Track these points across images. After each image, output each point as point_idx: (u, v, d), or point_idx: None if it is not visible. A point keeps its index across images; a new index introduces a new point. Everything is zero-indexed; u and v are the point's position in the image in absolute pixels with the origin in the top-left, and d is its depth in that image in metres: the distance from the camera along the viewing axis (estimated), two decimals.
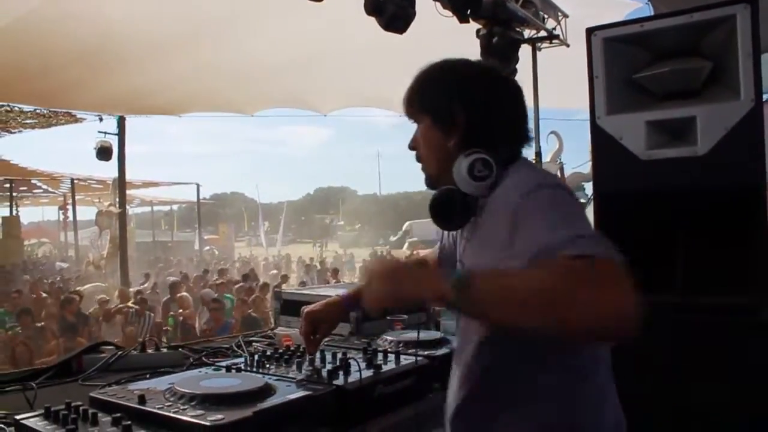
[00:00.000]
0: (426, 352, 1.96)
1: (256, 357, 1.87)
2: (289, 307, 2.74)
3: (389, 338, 2.17)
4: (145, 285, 14.05)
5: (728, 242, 2.42)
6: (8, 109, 13.21)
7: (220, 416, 1.29)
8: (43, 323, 8.95)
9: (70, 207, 30.00)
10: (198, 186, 25.90)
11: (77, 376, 2.21)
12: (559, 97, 9.35)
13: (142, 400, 1.42)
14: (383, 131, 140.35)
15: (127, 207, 30.75)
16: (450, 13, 6.10)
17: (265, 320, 8.79)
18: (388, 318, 2.55)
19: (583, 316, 1.08)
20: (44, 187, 27.67)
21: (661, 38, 2.62)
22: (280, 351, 1.94)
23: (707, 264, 2.41)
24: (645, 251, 1.99)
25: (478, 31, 6.70)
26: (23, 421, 1.39)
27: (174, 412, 1.34)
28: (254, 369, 1.78)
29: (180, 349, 2.48)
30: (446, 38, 7.07)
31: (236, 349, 2.52)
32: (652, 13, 7.45)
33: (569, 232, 1.19)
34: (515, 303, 1.13)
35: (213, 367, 1.82)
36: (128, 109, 12.68)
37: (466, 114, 1.49)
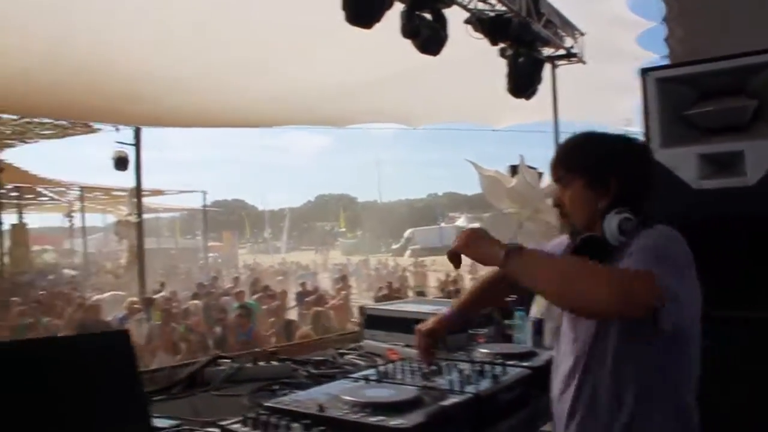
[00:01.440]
0: (527, 363, 2.25)
1: (382, 370, 2.15)
2: (374, 322, 3.02)
3: (484, 350, 2.46)
4: (162, 293, 14.26)
5: None
6: (28, 120, 13.44)
7: (402, 421, 1.57)
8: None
9: (75, 214, 30.25)
10: (204, 194, 26.18)
11: (205, 388, 2.49)
12: (577, 110, 9.67)
13: (321, 408, 1.70)
14: (383, 139, 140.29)
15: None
16: (481, 36, 6.42)
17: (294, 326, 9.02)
18: (470, 332, 2.84)
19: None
20: (50, 194, 27.85)
21: (708, 79, 2.92)
22: (400, 364, 2.22)
23: (756, 281, 2.70)
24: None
25: (503, 51, 7.00)
26: (230, 427, 1.67)
27: (357, 418, 1.62)
28: (388, 380, 2.06)
29: (286, 362, 2.75)
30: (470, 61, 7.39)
31: (333, 360, 2.80)
32: (666, 33, 7.77)
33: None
34: (556, 273, 1.64)
35: (350, 379, 2.10)
36: (151, 122, 12.91)
37: (618, 183, 1.83)
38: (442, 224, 34.61)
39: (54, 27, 6.73)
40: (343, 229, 54.76)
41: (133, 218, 13.50)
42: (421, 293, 12.91)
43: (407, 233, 38.23)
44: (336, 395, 1.79)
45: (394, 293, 12.89)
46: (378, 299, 12.02)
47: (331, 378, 2.28)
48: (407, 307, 3.04)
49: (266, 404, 1.81)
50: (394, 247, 39.03)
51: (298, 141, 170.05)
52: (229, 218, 48.11)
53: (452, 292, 13.68)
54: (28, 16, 6.42)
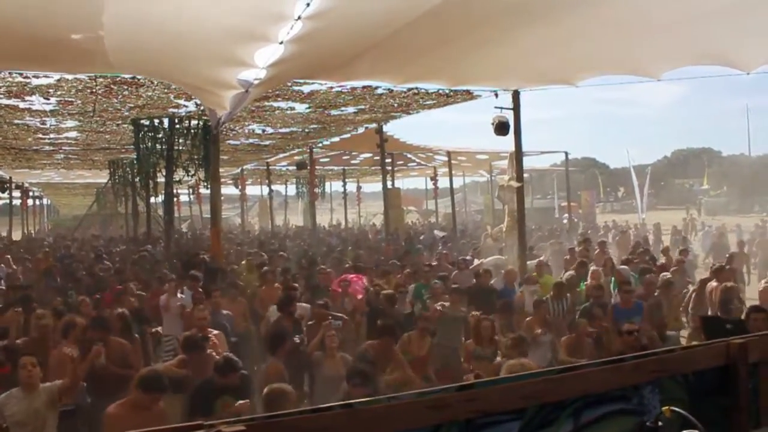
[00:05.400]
0: None
1: None
2: None
3: None
4: (542, 259, 14.04)
5: None
6: (416, 91, 14.03)
7: None
8: None
9: (439, 178, 31.86)
10: (567, 154, 25.45)
11: None
12: None
13: None
14: (749, 82, 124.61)
15: (493, 178, 31.55)
16: None
17: None
18: None
19: None
20: (417, 160, 29.65)
21: None
22: None
23: None
24: None
25: None
26: None
27: None
28: None
29: None
30: None
31: None
32: None
33: None
34: None
35: None
36: (522, 82, 12.54)
37: None
38: None
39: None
40: (707, 187, 49.50)
41: (514, 183, 13.35)
42: None
43: None
44: None
45: None
46: None
47: None
48: None
49: None
50: None
51: (645, 91, 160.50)
52: (581, 177, 46.54)
53: None
54: None
